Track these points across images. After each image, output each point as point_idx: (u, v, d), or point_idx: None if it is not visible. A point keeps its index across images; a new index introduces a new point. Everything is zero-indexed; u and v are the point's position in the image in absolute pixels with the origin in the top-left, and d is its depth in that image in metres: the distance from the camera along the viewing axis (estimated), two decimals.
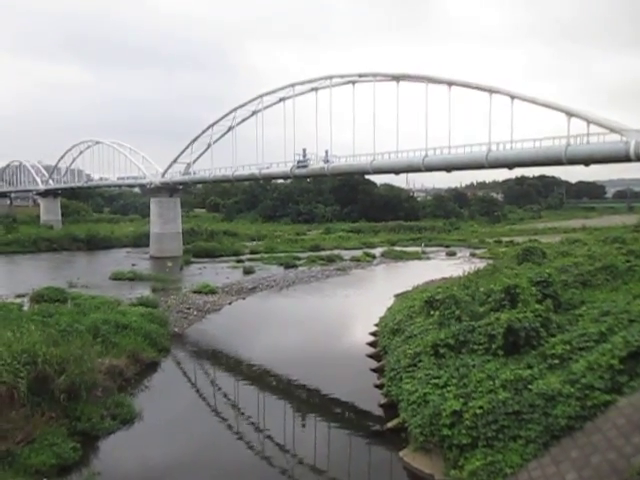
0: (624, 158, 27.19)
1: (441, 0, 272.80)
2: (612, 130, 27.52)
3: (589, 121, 28.46)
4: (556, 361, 12.08)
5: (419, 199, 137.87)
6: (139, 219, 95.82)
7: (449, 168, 37.19)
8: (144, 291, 33.85)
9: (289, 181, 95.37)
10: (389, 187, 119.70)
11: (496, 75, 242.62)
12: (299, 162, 46.22)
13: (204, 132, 56.37)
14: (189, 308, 29.19)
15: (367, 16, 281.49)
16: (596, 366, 10.77)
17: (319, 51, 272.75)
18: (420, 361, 14.87)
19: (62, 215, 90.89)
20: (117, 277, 40.27)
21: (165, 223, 60.20)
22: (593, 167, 30.98)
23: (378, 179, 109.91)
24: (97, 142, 77.59)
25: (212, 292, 33.79)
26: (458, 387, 12.55)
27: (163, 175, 61.23)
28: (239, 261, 52.00)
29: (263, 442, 14.09)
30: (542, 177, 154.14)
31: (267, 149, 50.12)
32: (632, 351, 10.55)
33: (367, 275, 46.83)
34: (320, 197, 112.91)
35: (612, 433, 9.18)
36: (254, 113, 51.95)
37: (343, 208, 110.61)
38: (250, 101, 51.14)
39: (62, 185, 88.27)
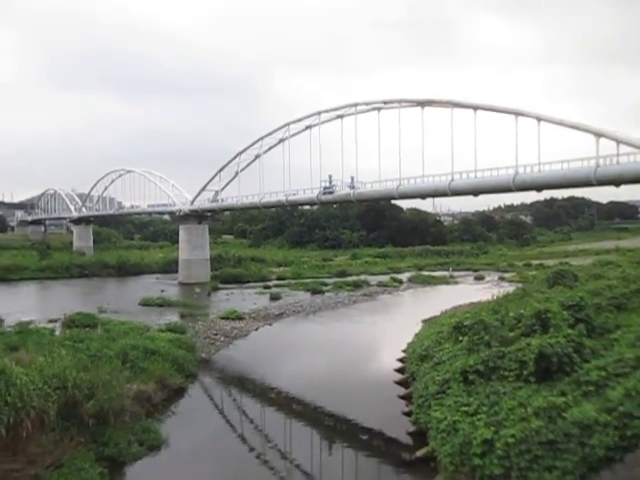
0: None
1: (463, 26, 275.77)
2: None
3: (618, 141, 27.97)
4: (591, 388, 11.68)
5: (446, 223, 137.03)
6: (169, 246, 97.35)
7: (476, 192, 36.93)
8: (172, 317, 34.16)
9: (315, 207, 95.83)
10: (416, 211, 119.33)
11: (520, 97, 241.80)
12: (325, 188, 46.54)
13: (232, 160, 57.31)
14: (216, 334, 29.30)
15: (390, 43, 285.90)
16: (634, 393, 10.34)
17: (344, 78, 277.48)
18: (449, 388, 14.56)
19: (94, 242, 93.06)
20: (146, 303, 40.83)
21: (193, 250, 61.00)
22: (624, 187, 30.32)
23: (405, 203, 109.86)
24: (128, 171, 79.67)
25: (239, 318, 33.91)
26: (489, 415, 12.21)
27: (192, 203, 62.32)
28: (266, 287, 52.20)
29: (290, 470, 13.90)
30: (572, 198, 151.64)
31: (293, 176, 50.59)
32: None
33: (394, 300, 46.41)
34: (347, 223, 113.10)
35: None
36: (281, 141, 52.71)
37: (370, 233, 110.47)
38: (277, 129, 51.96)
39: (94, 213, 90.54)
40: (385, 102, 42.00)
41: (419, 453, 13.76)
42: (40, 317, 32.37)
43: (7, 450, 11.33)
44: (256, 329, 32.00)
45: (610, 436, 9.82)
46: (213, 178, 59.98)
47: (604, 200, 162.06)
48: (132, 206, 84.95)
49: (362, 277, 58.80)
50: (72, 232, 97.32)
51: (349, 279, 56.85)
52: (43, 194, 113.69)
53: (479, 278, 60.88)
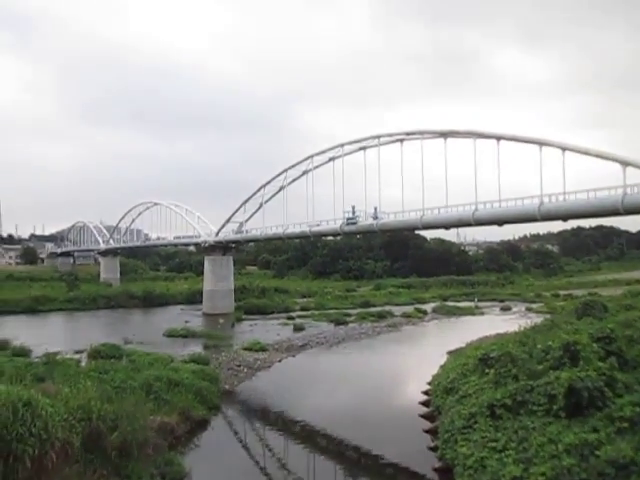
0: None
1: (488, 56, 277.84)
2: None
3: None
4: (625, 424, 11.28)
5: (471, 253, 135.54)
6: (193, 277, 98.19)
7: (500, 222, 36.65)
8: (196, 348, 34.23)
9: (339, 238, 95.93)
10: (440, 241, 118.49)
11: (545, 125, 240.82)
12: (348, 219, 46.69)
13: (257, 192, 58.06)
14: (239, 365, 29.23)
15: (412, 75, 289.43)
16: None
17: (365, 110, 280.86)
18: (476, 422, 14.21)
19: (121, 273, 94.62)
20: (171, 334, 41.05)
21: (218, 281, 61.44)
22: None
23: (428, 233, 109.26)
24: (155, 203, 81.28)
25: (262, 349, 33.80)
26: (518, 451, 11.87)
27: (217, 234, 63.07)
28: (289, 318, 52.09)
29: None
30: (600, 227, 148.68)
31: (317, 207, 50.96)
32: None
33: (419, 331, 45.81)
34: (370, 253, 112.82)
35: None
36: (304, 173, 53.30)
37: (393, 263, 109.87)
38: (301, 161, 52.64)
39: (121, 244, 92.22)
40: (407, 134, 42.30)
41: None
42: (67, 348, 32.77)
43: None
44: (279, 360, 31.84)
45: None
46: (238, 210, 60.73)
47: (634, 229, 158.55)
48: (158, 238, 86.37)
49: (386, 308, 58.30)
50: (100, 264, 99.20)
51: (373, 310, 56.39)
52: (73, 226, 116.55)
53: (505, 309, 59.82)
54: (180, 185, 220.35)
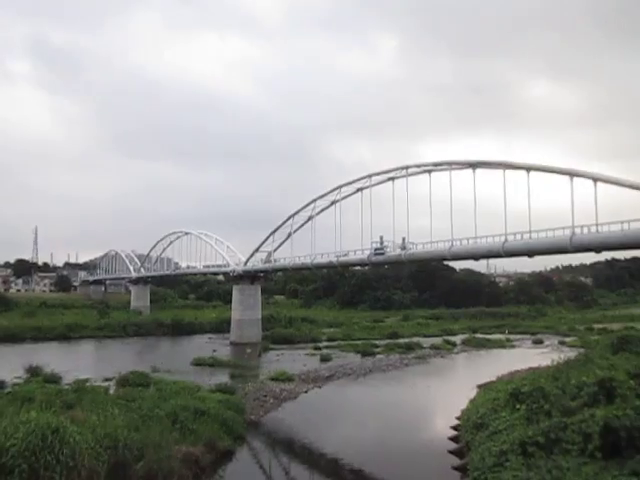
0: None
1: (519, 87, 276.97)
2: None
3: None
4: None
5: (501, 284, 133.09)
6: (221, 306, 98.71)
7: (531, 253, 36.02)
8: (223, 377, 34.19)
9: (367, 268, 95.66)
10: (469, 272, 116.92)
11: (576, 155, 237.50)
12: (376, 249, 46.57)
13: (285, 222, 58.57)
14: (265, 395, 29.03)
15: (440, 106, 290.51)
16: None
17: (393, 141, 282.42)
18: (507, 460, 13.75)
19: (151, 301, 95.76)
20: (198, 363, 41.15)
21: (245, 310, 61.61)
22: None
23: (457, 264, 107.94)
24: (186, 233, 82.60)
25: (289, 380, 33.59)
26: None
27: (245, 263, 63.58)
28: (316, 348, 51.74)
29: None
30: (635, 259, 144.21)
31: (345, 236, 51.03)
32: None
33: (448, 364, 44.91)
34: (398, 283, 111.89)
35: None
36: (333, 203, 53.61)
37: (421, 294, 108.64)
38: (329, 192, 53.01)
39: (152, 273, 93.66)
40: (436, 164, 42.33)
41: None
42: (96, 375, 33.14)
43: None
44: (305, 391, 31.54)
45: None
46: (266, 239, 61.26)
47: None
48: (188, 266, 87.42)
49: (414, 339, 57.42)
50: (130, 292, 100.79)
51: (401, 341, 55.58)
52: (105, 255, 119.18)
53: (537, 342, 58.27)
54: (210, 215, 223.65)
